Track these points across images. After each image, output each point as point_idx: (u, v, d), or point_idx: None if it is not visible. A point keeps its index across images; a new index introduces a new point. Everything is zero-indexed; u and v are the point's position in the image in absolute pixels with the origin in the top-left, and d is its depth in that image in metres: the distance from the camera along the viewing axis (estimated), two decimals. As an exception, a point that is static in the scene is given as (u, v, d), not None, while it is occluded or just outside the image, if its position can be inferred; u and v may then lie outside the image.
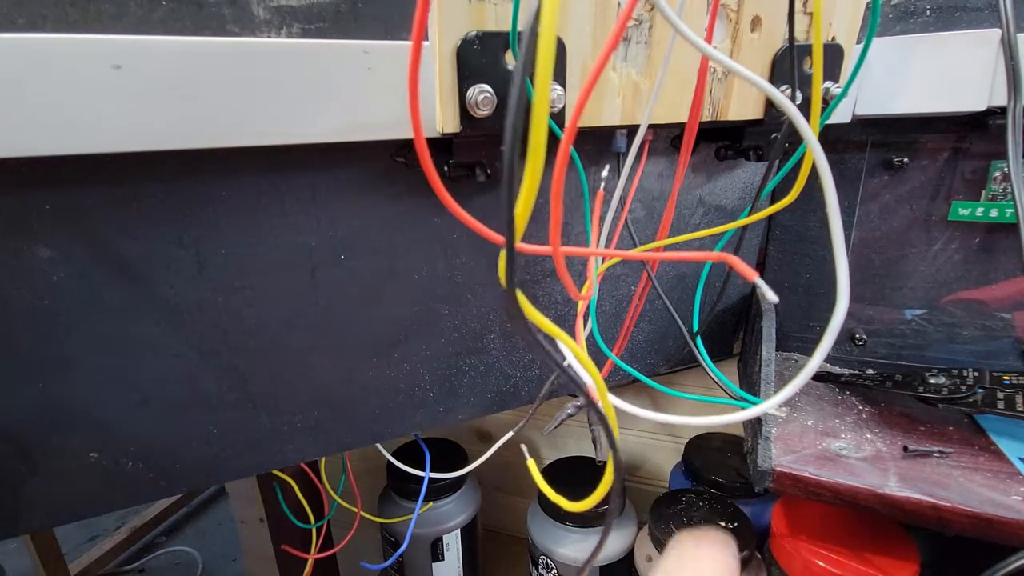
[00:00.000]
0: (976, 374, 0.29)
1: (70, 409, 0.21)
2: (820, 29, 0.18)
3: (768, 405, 0.15)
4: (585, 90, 0.12)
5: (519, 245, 0.17)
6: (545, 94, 0.09)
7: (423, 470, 0.41)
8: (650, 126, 0.28)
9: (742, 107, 0.26)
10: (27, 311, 0.20)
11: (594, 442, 0.52)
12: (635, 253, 0.17)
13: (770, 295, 0.14)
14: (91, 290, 0.20)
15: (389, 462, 0.43)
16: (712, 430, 0.49)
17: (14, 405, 0.21)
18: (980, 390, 0.28)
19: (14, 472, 0.21)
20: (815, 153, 0.15)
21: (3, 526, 0.22)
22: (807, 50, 0.25)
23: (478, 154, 0.23)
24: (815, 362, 0.14)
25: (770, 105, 0.26)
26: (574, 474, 0.48)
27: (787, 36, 0.25)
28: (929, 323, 0.33)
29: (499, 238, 0.16)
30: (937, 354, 0.33)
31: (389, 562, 0.46)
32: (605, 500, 0.15)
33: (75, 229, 0.20)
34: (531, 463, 0.19)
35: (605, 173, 0.27)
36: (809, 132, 0.15)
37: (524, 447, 0.22)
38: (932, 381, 0.29)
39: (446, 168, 0.23)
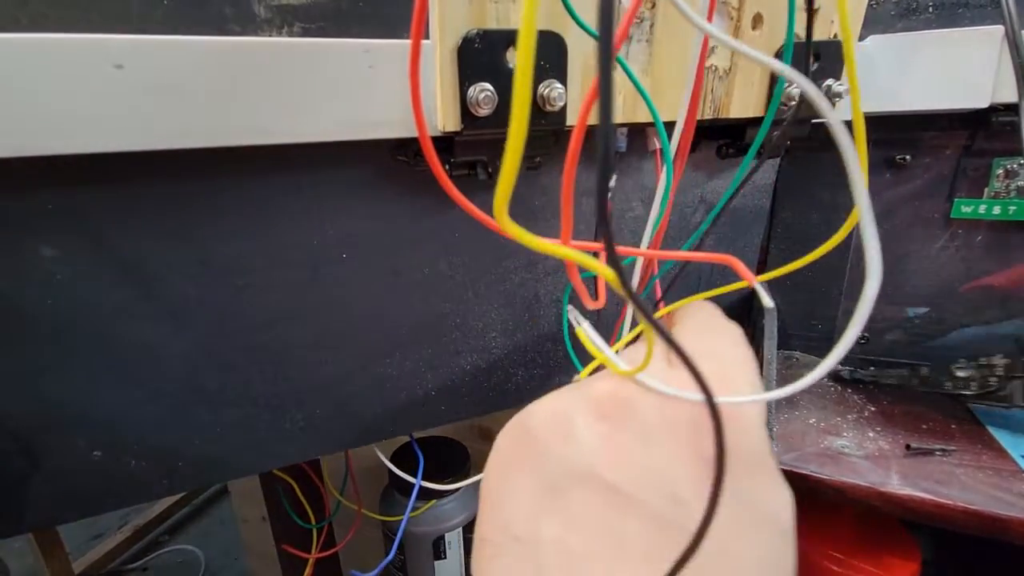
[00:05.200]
0: (1007, 362, 0.27)
1: (73, 407, 0.21)
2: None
3: (772, 396, 0.14)
4: (593, 87, 0.12)
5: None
6: (526, 90, 0.09)
7: (423, 470, 0.41)
8: (652, 128, 0.28)
9: (743, 105, 0.26)
10: (31, 310, 0.20)
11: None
12: (637, 251, 0.17)
13: (767, 301, 0.14)
14: (94, 289, 0.20)
15: (391, 459, 0.43)
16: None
17: (18, 403, 0.21)
18: (1015, 380, 0.25)
19: (18, 470, 0.21)
20: (841, 140, 0.14)
21: (7, 524, 0.22)
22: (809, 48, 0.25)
23: (479, 152, 0.23)
24: (832, 361, 0.13)
25: (771, 103, 0.26)
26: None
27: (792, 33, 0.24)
28: (932, 321, 0.33)
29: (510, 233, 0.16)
30: (939, 352, 0.33)
31: (386, 562, 0.46)
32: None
33: (78, 229, 0.20)
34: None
35: (612, 183, 0.27)
36: (833, 116, 0.14)
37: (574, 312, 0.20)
38: (960, 375, 0.28)
39: (447, 167, 0.23)
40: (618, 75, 0.23)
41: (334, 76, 0.19)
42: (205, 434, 0.24)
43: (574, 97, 0.22)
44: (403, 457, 0.44)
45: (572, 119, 0.22)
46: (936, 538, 0.36)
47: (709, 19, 0.21)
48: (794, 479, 0.25)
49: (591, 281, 0.26)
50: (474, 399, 0.30)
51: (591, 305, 0.17)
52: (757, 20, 0.24)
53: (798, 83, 0.14)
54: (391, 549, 0.43)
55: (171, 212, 0.21)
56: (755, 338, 0.34)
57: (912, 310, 0.33)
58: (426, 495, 0.44)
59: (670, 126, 0.25)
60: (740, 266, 0.14)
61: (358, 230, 0.24)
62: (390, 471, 0.42)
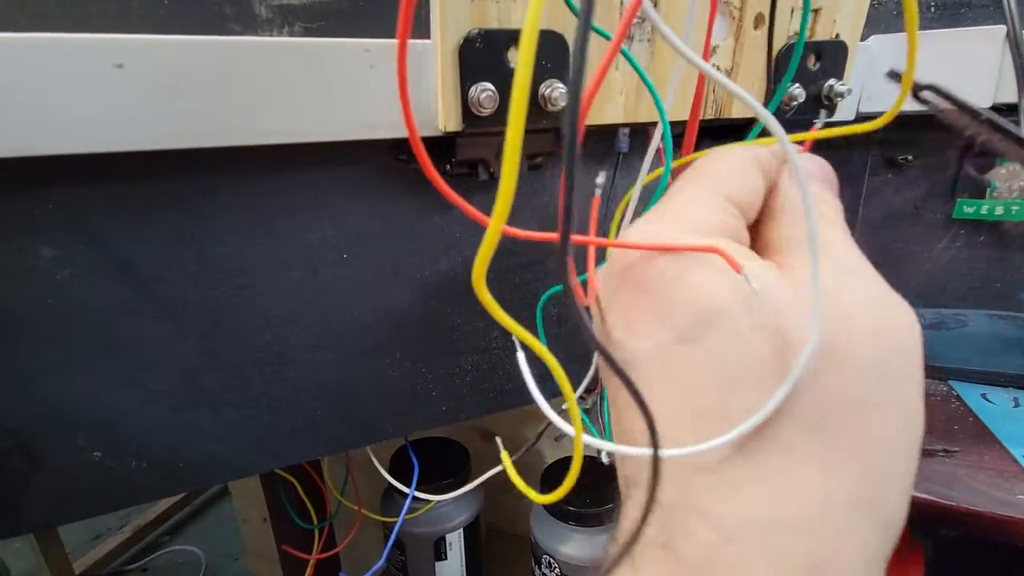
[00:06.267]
0: None
1: (73, 408, 0.21)
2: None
3: (764, 413, 0.14)
4: (594, 83, 0.12)
5: (516, 231, 0.17)
6: (524, 89, 0.09)
7: (424, 471, 0.41)
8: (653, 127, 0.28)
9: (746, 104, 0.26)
10: (30, 310, 0.20)
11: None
12: (623, 242, 0.17)
13: (756, 285, 0.14)
14: (94, 289, 0.20)
15: (392, 460, 0.43)
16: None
17: (18, 404, 0.21)
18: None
19: (18, 471, 0.21)
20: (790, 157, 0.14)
21: (7, 525, 0.22)
22: (811, 48, 0.25)
23: (480, 152, 0.23)
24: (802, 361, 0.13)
25: (770, 102, 0.26)
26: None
27: (791, 33, 0.24)
28: (933, 322, 0.33)
29: (511, 231, 0.16)
30: (941, 353, 0.33)
31: (381, 561, 0.46)
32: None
33: (77, 229, 0.20)
34: (504, 455, 0.18)
35: (600, 179, 0.26)
36: (779, 129, 0.14)
37: (499, 439, 0.21)
38: None
39: (448, 167, 0.23)
40: (619, 74, 0.23)
41: (334, 76, 0.19)
42: (205, 434, 0.24)
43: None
44: (403, 459, 0.44)
45: (573, 119, 0.22)
46: (938, 540, 0.36)
47: (711, 23, 0.21)
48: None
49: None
50: (475, 400, 0.30)
51: (585, 302, 0.17)
52: (759, 20, 0.24)
53: (760, 115, 0.14)
54: (392, 548, 0.43)
55: (171, 212, 0.21)
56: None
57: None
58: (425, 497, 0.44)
59: (672, 126, 0.25)
60: (727, 255, 0.14)
61: (358, 230, 0.24)
62: (390, 471, 0.42)
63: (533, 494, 0.17)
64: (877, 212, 0.32)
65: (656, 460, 0.12)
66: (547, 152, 0.24)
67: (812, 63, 0.25)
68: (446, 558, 0.52)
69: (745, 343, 0.14)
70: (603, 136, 0.27)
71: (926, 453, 0.26)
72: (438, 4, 0.19)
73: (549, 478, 0.50)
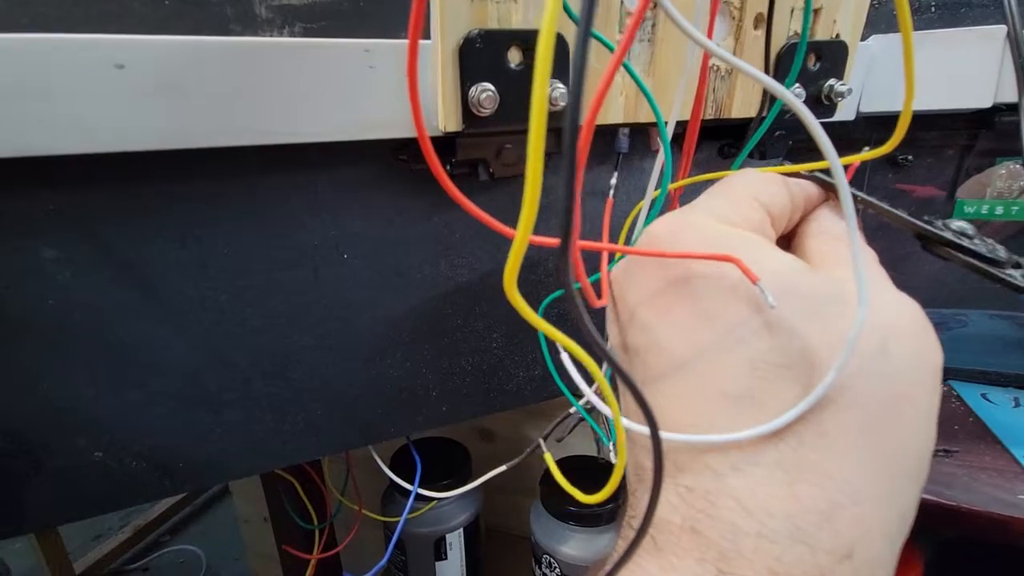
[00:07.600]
0: None
1: (74, 409, 0.21)
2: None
3: (775, 424, 0.14)
4: (600, 91, 0.12)
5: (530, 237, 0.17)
6: (543, 89, 0.09)
7: (424, 471, 0.41)
8: (655, 128, 0.28)
9: (745, 105, 0.26)
10: (32, 311, 0.20)
11: (597, 443, 0.52)
12: (634, 250, 0.17)
13: (771, 302, 0.14)
14: (95, 290, 0.20)
15: (392, 461, 0.43)
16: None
17: (19, 405, 0.21)
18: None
19: (19, 471, 0.21)
20: (824, 148, 0.15)
21: (8, 525, 0.22)
22: (811, 48, 0.25)
23: (480, 152, 0.23)
24: (822, 389, 0.13)
25: (772, 102, 0.26)
26: (578, 473, 0.48)
27: (791, 33, 0.24)
28: (933, 323, 0.33)
29: (512, 232, 0.16)
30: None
31: (384, 562, 0.46)
32: (614, 497, 0.15)
33: (79, 229, 0.20)
34: (548, 456, 0.19)
35: (614, 181, 0.27)
36: (817, 126, 0.15)
37: (542, 440, 0.21)
38: None
39: (448, 167, 0.23)
40: (620, 75, 0.23)
41: (335, 76, 0.19)
42: (206, 435, 0.24)
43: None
44: (404, 459, 0.44)
45: (574, 119, 0.22)
46: (938, 541, 0.36)
47: (711, 23, 0.21)
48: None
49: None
50: (475, 400, 0.30)
51: (596, 304, 0.17)
52: (759, 20, 0.24)
53: (782, 96, 0.15)
54: (392, 548, 0.43)
55: (171, 213, 0.21)
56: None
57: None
58: (427, 496, 0.44)
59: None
60: (743, 265, 0.14)
61: (359, 230, 0.24)
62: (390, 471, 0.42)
63: (578, 493, 0.17)
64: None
65: (657, 445, 0.12)
66: (550, 152, 0.24)
67: (812, 63, 0.25)
68: (446, 558, 0.52)
69: (778, 330, 0.14)
70: (603, 137, 0.27)
71: (926, 453, 0.26)
72: (438, 4, 0.19)
73: (551, 478, 0.50)
